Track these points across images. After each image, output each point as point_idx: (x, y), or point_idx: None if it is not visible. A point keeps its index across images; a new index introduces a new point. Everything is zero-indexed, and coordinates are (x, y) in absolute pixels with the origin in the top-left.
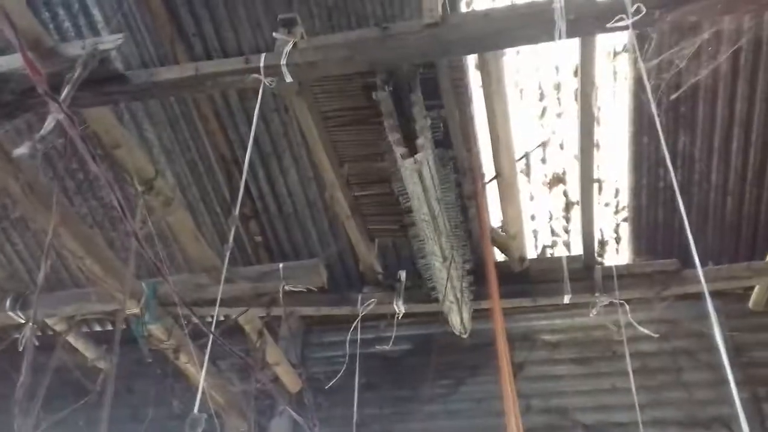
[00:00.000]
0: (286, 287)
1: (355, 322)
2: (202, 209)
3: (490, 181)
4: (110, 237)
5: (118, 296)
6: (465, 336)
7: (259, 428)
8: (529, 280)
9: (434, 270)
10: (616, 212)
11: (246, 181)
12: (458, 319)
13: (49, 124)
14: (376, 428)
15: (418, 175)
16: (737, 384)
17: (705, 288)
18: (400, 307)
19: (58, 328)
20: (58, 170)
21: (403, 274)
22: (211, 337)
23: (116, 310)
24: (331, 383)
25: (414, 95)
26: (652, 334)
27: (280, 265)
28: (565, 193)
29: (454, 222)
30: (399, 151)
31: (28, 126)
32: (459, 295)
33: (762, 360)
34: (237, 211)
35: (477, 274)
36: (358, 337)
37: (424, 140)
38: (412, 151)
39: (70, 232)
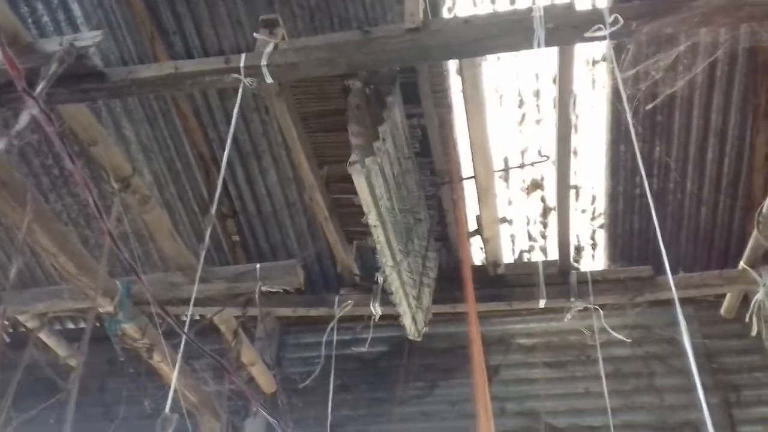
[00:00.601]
0: (263, 288)
1: (332, 324)
2: (180, 208)
3: (466, 179)
4: (84, 234)
5: (91, 294)
6: (418, 339)
7: (233, 428)
8: (505, 284)
9: (386, 274)
10: (593, 219)
11: (224, 180)
12: (410, 323)
13: (24, 119)
14: (350, 429)
15: (365, 180)
16: (708, 390)
17: (675, 295)
18: (376, 309)
19: (30, 325)
20: (34, 166)
21: (380, 277)
22: (184, 336)
23: (89, 308)
24: (305, 383)
25: (389, 98)
26: (625, 340)
27: (257, 265)
28: (543, 199)
29: (413, 225)
30: (353, 156)
31: (4, 121)
32: (411, 301)
33: (733, 366)
34: (214, 210)
35: (454, 277)
36: (335, 338)
37: (381, 144)
38: None
39: (43, 228)
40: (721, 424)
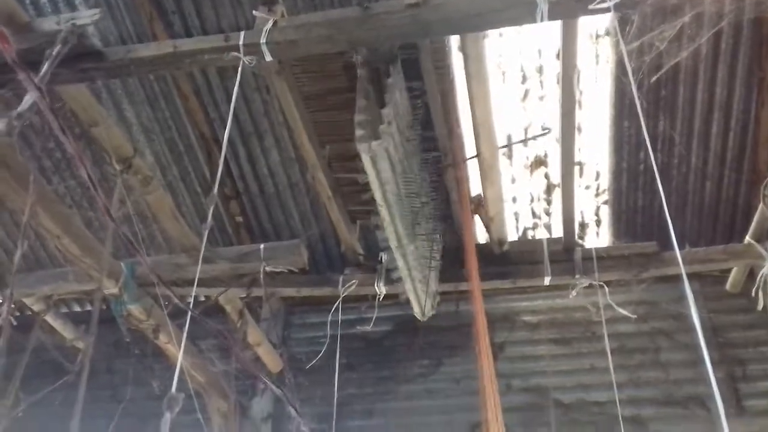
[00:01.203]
0: (267, 268)
1: (336, 303)
2: (182, 189)
3: (470, 158)
4: (88, 216)
5: (96, 276)
6: (423, 320)
7: (240, 408)
8: (509, 261)
9: (391, 255)
10: (597, 195)
11: (227, 161)
12: (416, 304)
13: (27, 101)
14: (356, 407)
15: (371, 162)
16: (714, 364)
17: (683, 270)
18: (381, 289)
19: (36, 307)
20: (36, 149)
21: (384, 256)
22: (189, 316)
23: (94, 290)
24: (311, 363)
25: (391, 79)
26: (631, 315)
27: (261, 245)
28: (547, 176)
29: (419, 208)
30: (358, 133)
31: (5, 102)
32: (417, 284)
33: (738, 340)
34: (215, 190)
35: (458, 255)
36: (339, 317)
37: (386, 126)
38: None
39: (47, 211)
40: (726, 397)
